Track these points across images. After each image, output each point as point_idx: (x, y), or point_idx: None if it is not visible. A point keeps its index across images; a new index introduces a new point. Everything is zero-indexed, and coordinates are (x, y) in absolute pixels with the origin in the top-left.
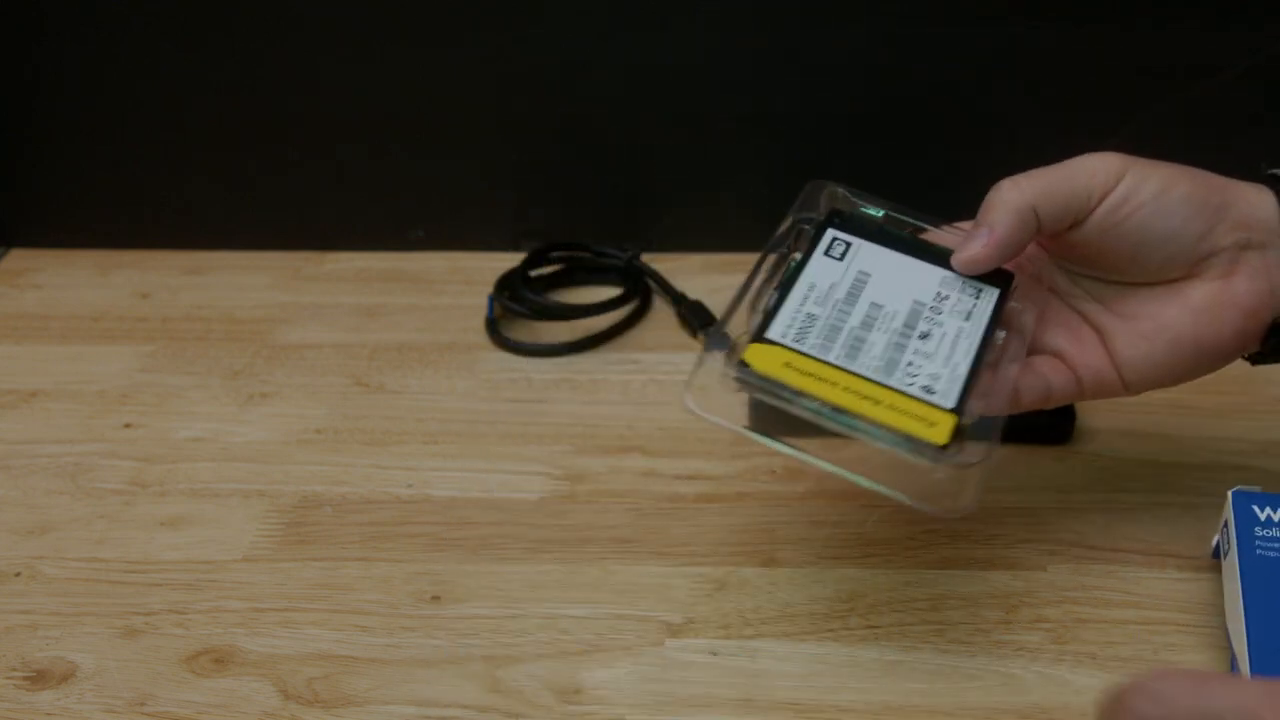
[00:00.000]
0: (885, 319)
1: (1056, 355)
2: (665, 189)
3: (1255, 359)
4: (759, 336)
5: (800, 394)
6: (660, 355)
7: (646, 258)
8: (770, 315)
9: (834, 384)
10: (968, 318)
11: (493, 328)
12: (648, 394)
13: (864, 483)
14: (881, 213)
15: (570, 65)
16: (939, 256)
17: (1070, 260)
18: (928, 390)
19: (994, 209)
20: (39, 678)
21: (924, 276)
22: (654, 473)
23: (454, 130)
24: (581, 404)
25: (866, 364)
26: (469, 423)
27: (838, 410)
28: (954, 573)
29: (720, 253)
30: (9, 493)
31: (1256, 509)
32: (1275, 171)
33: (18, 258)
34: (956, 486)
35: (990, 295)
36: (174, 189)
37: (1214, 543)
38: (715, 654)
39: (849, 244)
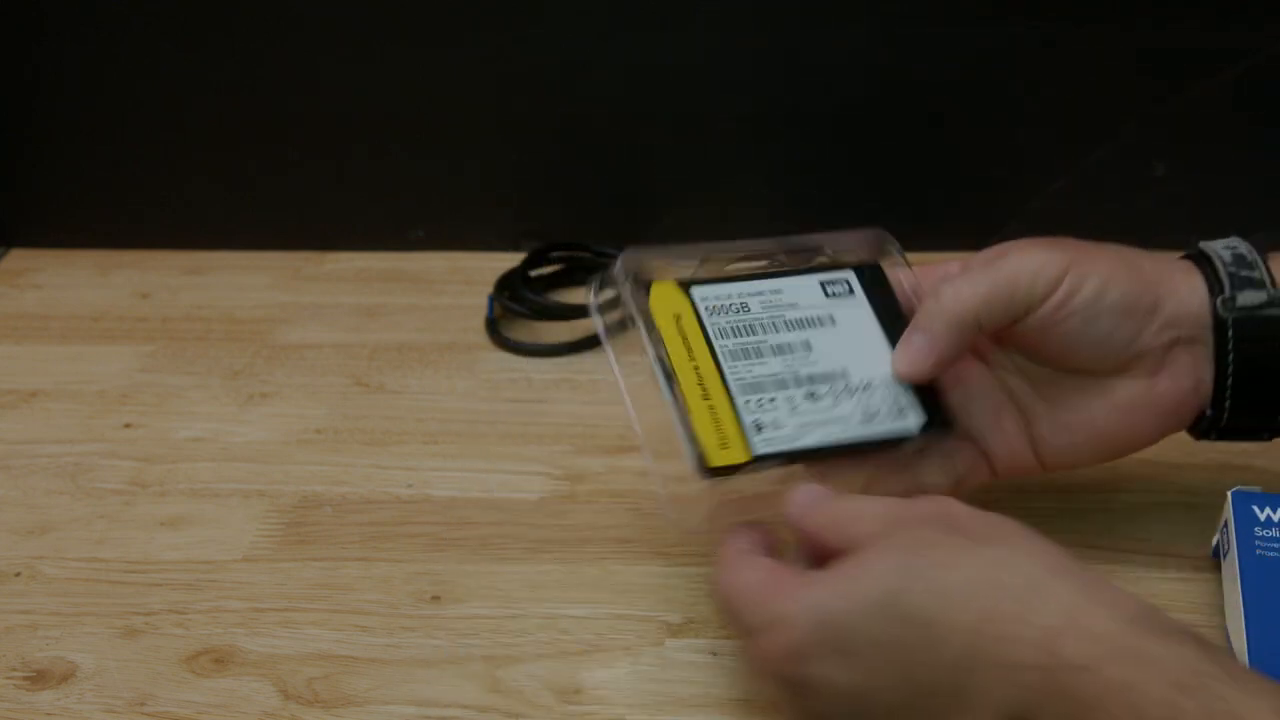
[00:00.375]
0: (801, 360)
1: (973, 440)
2: (665, 189)
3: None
4: (682, 280)
5: (657, 338)
6: None
7: None
8: (706, 280)
9: (692, 359)
10: (867, 419)
11: (493, 328)
12: (647, 394)
13: (676, 424)
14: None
15: (570, 65)
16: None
17: (1001, 343)
18: (756, 427)
19: (935, 319)
20: (39, 678)
21: (874, 350)
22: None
23: (454, 130)
24: (581, 404)
25: (737, 373)
26: (469, 423)
27: (669, 375)
28: None
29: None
30: (9, 493)
31: (1256, 509)
32: (1206, 248)
33: (18, 258)
34: (697, 506)
35: (916, 419)
36: (174, 189)
37: (1214, 543)
38: (715, 654)
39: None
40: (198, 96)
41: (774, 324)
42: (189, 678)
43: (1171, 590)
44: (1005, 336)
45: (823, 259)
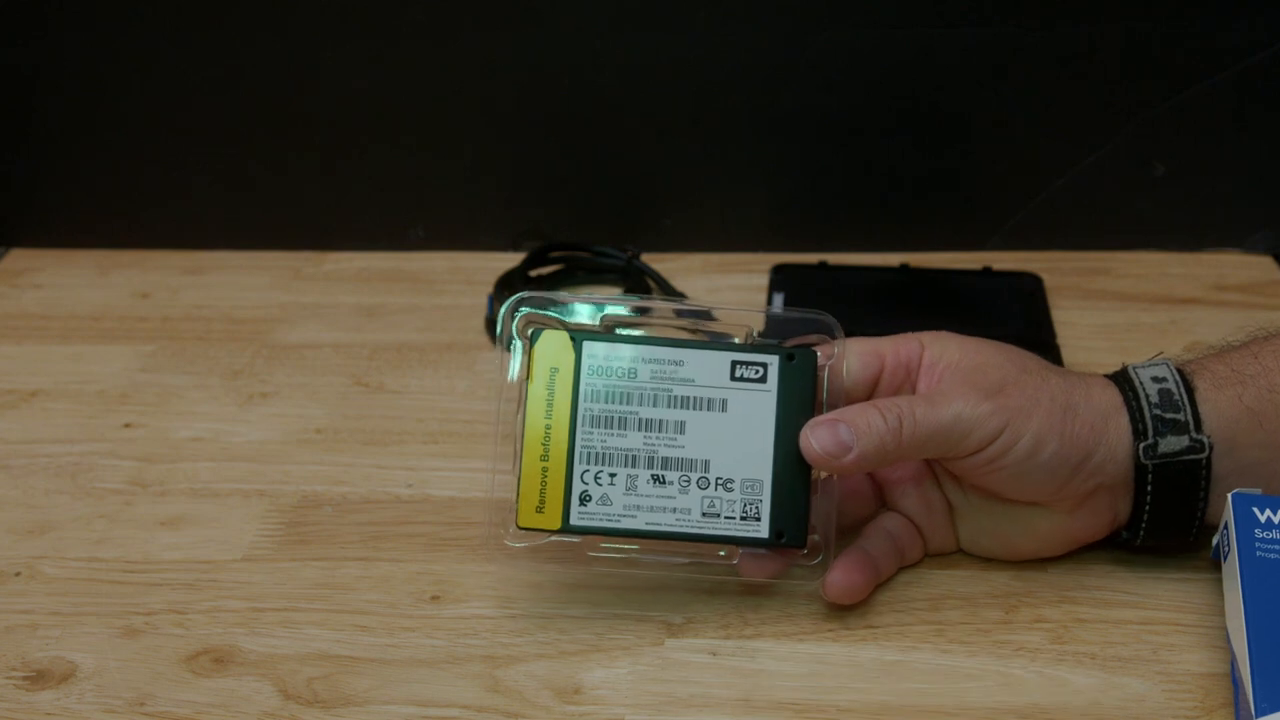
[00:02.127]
0: (665, 441)
1: (908, 518)
2: (665, 189)
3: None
4: (578, 332)
5: (526, 375)
6: None
7: (646, 258)
8: (604, 337)
9: (548, 416)
10: (708, 516)
11: (493, 328)
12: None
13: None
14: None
15: (570, 65)
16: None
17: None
18: (581, 498)
19: (868, 436)
20: (39, 678)
21: (754, 447)
22: None
23: (454, 130)
24: None
25: (588, 439)
26: (469, 423)
27: (521, 419)
28: (954, 573)
29: (720, 253)
30: (9, 493)
31: (1256, 511)
32: (1135, 378)
33: (18, 258)
34: (497, 554)
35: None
36: (174, 189)
37: (1214, 543)
38: (715, 654)
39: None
40: (197, 96)
41: (654, 397)
42: (189, 678)
43: (1172, 590)
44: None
45: (753, 338)
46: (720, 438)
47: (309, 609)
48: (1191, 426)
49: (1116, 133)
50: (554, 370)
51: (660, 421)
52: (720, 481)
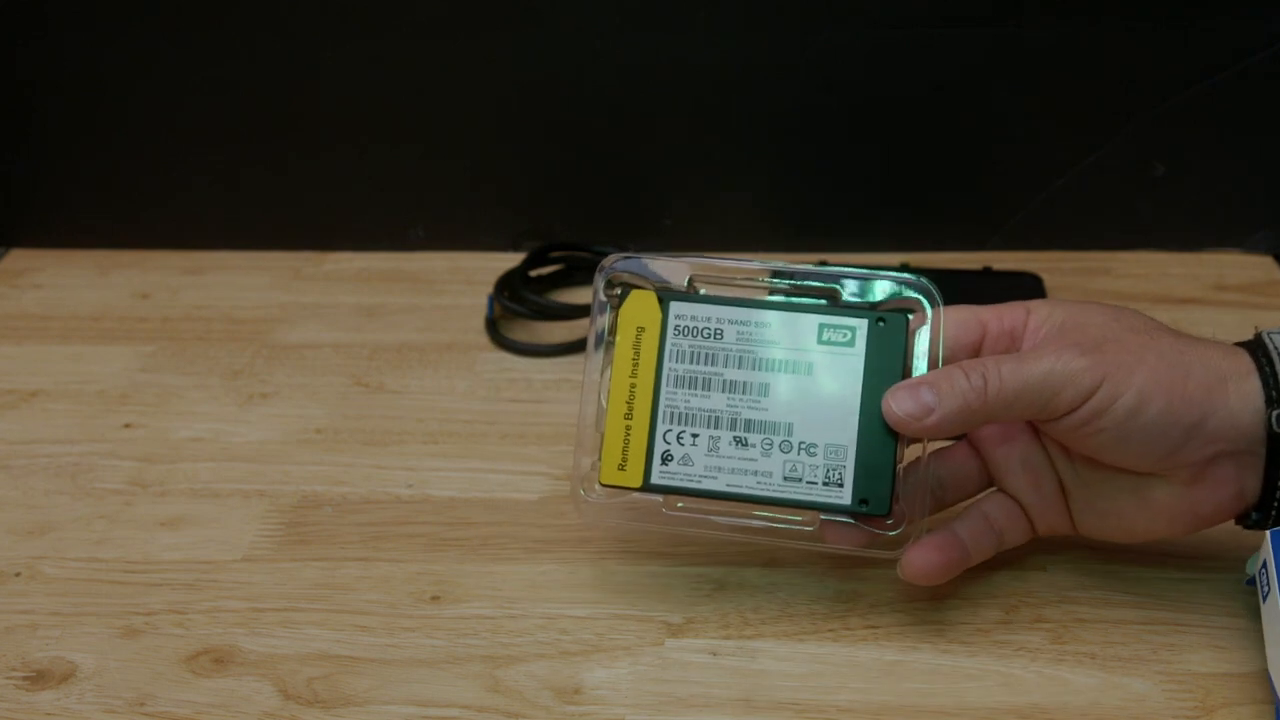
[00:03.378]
0: (748, 403)
1: (1015, 499)
2: (666, 189)
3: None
4: (666, 291)
5: (611, 336)
6: None
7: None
8: (691, 298)
9: (633, 375)
10: (790, 480)
11: (493, 328)
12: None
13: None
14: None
15: (571, 65)
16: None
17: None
18: (663, 457)
19: (951, 396)
20: (39, 678)
21: (839, 412)
22: None
23: (454, 130)
24: None
25: (672, 399)
26: (469, 423)
27: (607, 377)
28: None
29: (720, 253)
30: (9, 493)
31: None
32: (1269, 340)
33: (18, 258)
34: (596, 508)
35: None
36: (174, 189)
37: (1248, 570)
38: (715, 654)
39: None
40: (197, 96)
41: (739, 359)
42: (189, 678)
43: (1172, 590)
44: (1041, 426)
45: (846, 299)
46: (805, 401)
47: (309, 609)
48: None
49: (1116, 133)
50: (640, 329)
51: (744, 383)
52: (804, 446)
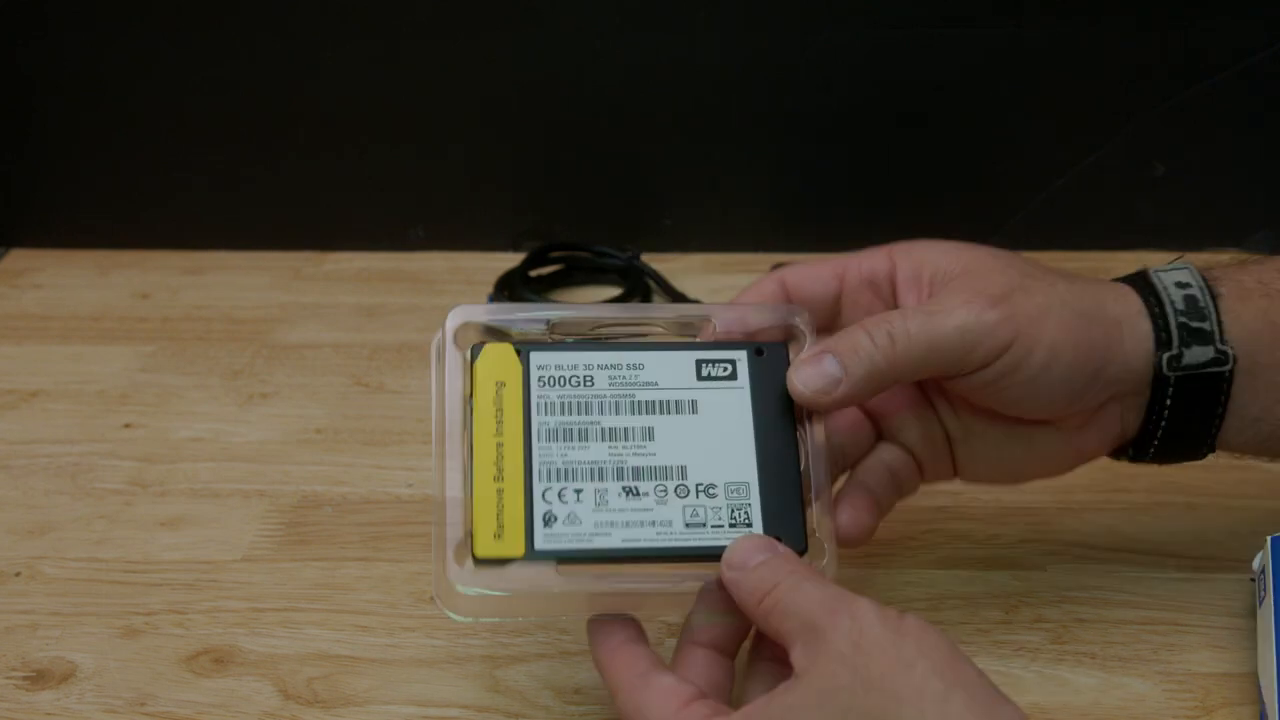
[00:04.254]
0: (633, 449)
1: (907, 450)
2: (665, 189)
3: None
4: (523, 342)
5: (470, 406)
6: None
7: (646, 258)
8: (552, 346)
9: (498, 434)
10: (692, 526)
11: (493, 329)
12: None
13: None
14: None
15: (571, 65)
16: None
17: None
18: (545, 519)
19: (858, 361)
20: (39, 678)
21: (734, 448)
22: None
23: (454, 130)
24: None
25: (547, 455)
26: None
27: (469, 440)
28: (954, 573)
29: (720, 253)
30: (9, 493)
31: None
32: (1158, 281)
33: (18, 258)
34: (470, 598)
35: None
36: (174, 189)
37: (1254, 565)
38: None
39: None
40: (197, 96)
41: (616, 404)
42: (189, 678)
43: (1171, 590)
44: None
45: (716, 334)
46: (695, 441)
47: (309, 609)
48: (1217, 337)
49: (1116, 133)
50: (500, 384)
51: (625, 430)
52: (701, 488)
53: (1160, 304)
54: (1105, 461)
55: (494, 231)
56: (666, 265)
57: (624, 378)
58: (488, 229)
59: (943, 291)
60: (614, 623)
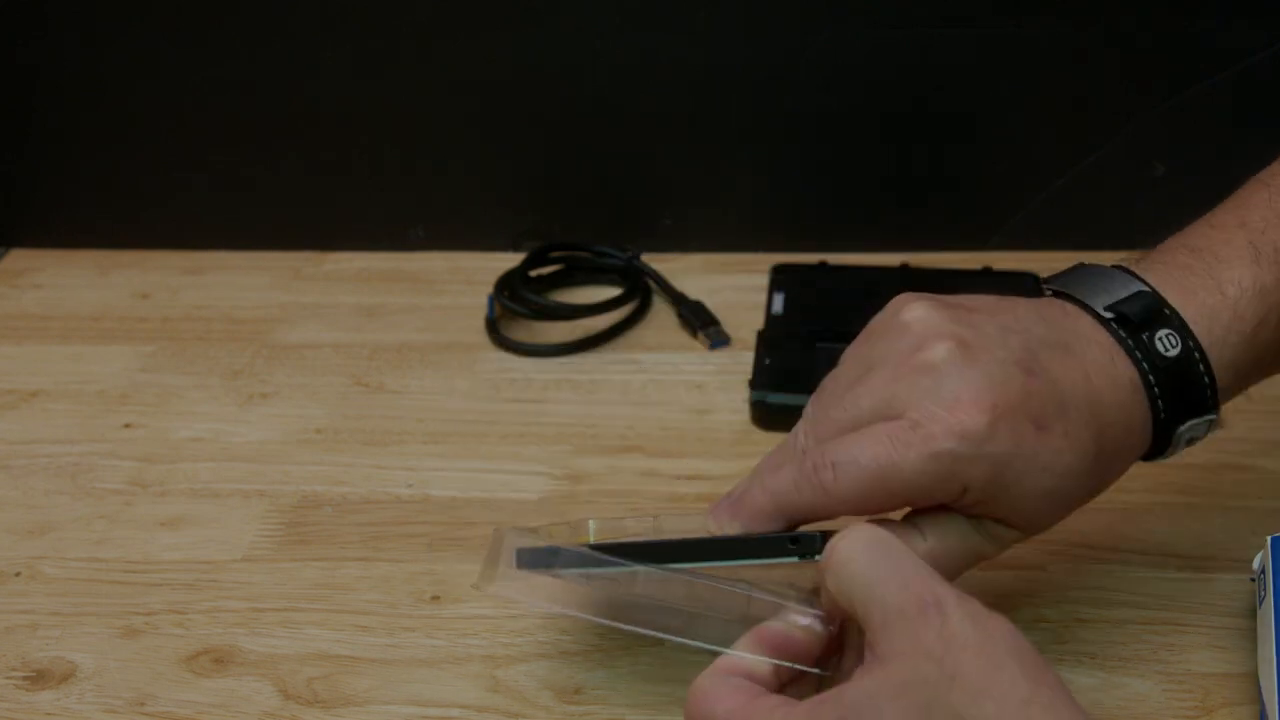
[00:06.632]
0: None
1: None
2: (665, 189)
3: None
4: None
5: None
6: (660, 355)
7: (646, 258)
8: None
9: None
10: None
11: (493, 328)
12: (648, 394)
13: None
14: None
15: (570, 65)
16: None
17: None
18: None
19: (846, 472)
20: (39, 678)
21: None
22: (654, 473)
23: (454, 130)
24: (581, 404)
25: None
26: (469, 423)
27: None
28: None
29: (720, 253)
30: (9, 493)
31: None
32: (1153, 357)
33: (18, 258)
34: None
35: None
36: (174, 189)
37: (1254, 565)
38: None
39: None
40: (198, 96)
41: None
42: (189, 678)
43: (1171, 590)
44: None
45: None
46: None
47: (309, 609)
48: (1210, 406)
49: (1116, 133)
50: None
51: None
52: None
53: (1160, 382)
54: None
55: (494, 231)
56: (666, 265)
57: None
58: (488, 229)
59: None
60: None
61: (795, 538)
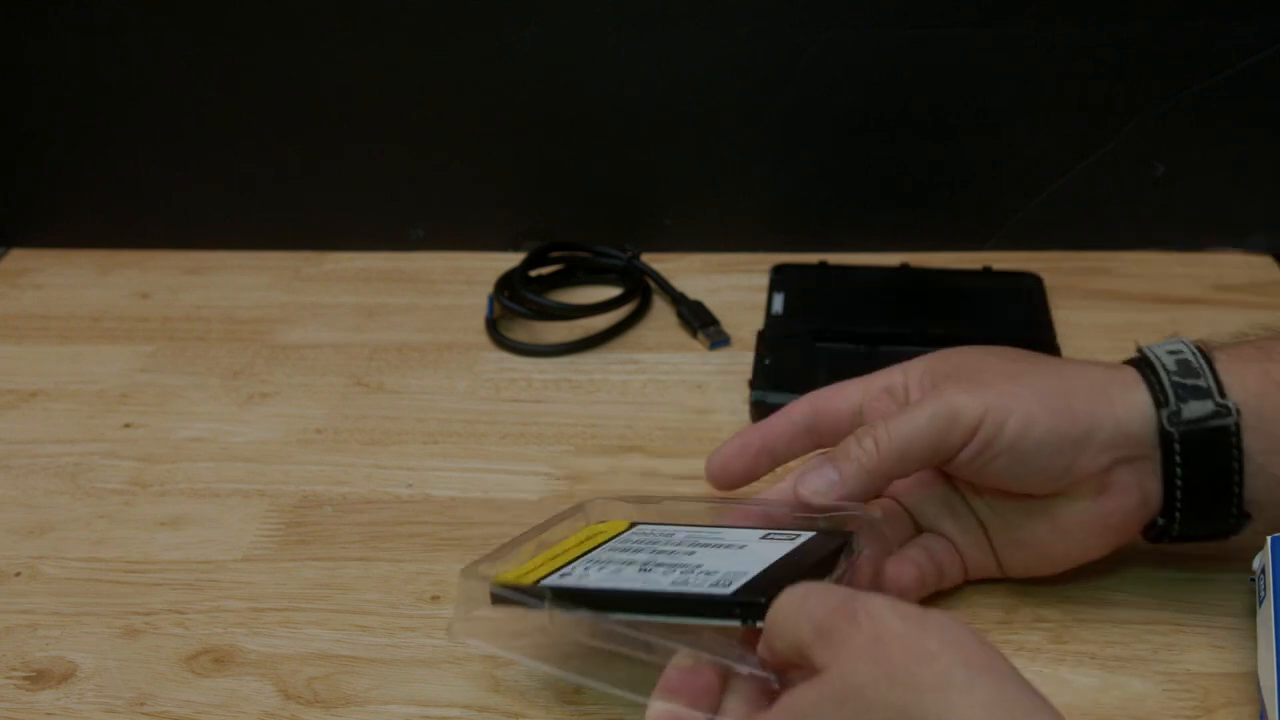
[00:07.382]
0: (665, 553)
1: (946, 538)
2: (665, 189)
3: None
4: (639, 518)
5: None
6: (660, 355)
7: (646, 258)
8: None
9: (566, 551)
10: (677, 585)
11: (493, 328)
12: (648, 394)
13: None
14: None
15: (570, 65)
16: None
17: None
18: (561, 574)
19: (850, 463)
20: (39, 678)
21: (751, 559)
22: (654, 473)
23: (454, 130)
24: (581, 404)
25: (600, 553)
26: (469, 423)
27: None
28: None
29: (720, 253)
30: (9, 493)
31: None
32: (1150, 353)
33: (18, 258)
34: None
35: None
36: (174, 189)
37: (1254, 565)
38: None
39: None
40: (198, 96)
41: (675, 547)
42: (189, 678)
43: (1171, 590)
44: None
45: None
46: (721, 557)
47: (309, 609)
48: (1215, 392)
49: (1116, 133)
50: (590, 535)
51: (672, 550)
52: (702, 570)
53: (1153, 369)
54: None
55: (494, 231)
56: (666, 265)
57: (698, 538)
58: (488, 229)
59: (932, 390)
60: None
61: (741, 604)
